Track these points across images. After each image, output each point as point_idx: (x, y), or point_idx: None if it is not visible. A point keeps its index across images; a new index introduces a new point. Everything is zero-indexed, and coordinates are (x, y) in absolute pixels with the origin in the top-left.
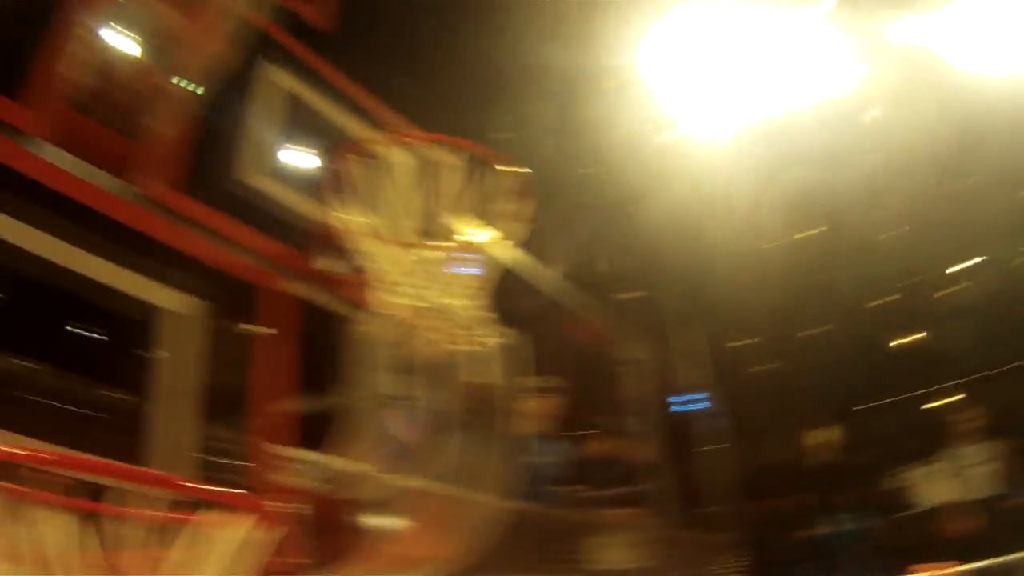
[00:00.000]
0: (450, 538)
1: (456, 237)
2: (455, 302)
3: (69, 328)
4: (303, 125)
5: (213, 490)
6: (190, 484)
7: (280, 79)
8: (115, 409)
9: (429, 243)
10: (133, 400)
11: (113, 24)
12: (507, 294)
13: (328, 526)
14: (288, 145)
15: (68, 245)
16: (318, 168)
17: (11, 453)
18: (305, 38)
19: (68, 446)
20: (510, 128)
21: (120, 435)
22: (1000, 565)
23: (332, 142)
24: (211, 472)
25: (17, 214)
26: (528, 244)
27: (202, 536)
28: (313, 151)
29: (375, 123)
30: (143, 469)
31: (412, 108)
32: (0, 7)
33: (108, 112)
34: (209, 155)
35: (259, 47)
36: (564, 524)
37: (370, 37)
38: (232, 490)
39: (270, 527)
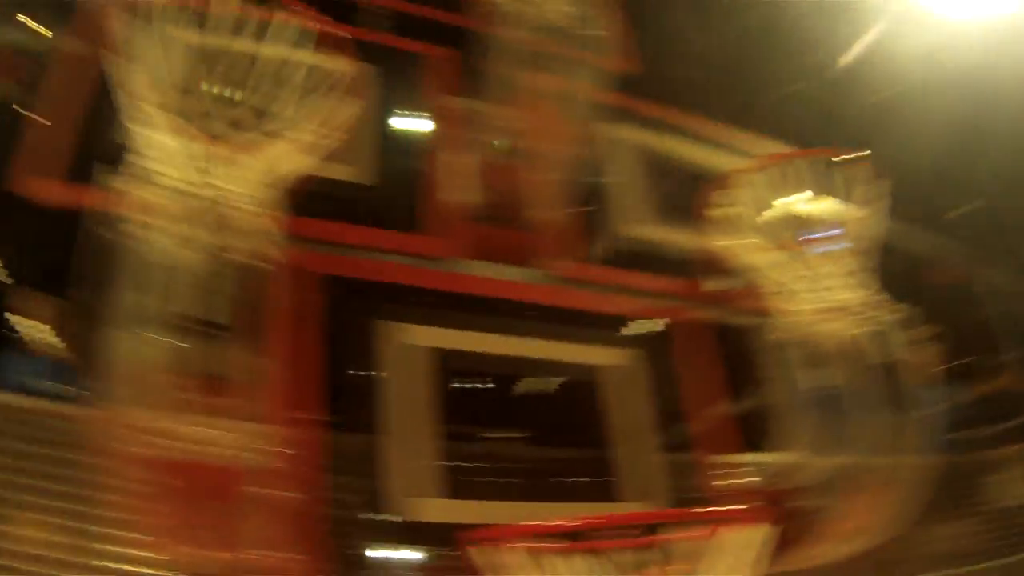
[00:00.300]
0: (886, 504)
1: (828, 231)
2: (847, 293)
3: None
4: (660, 166)
5: (722, 510)
6: (706, 510)
7: (625, 134)
8: (582, 461)
9: (806, 242)
10: (598, 451)
11: (479, 136)
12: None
13: (781, 517)
14: (655, 188)
15: (512, 338)
16: (689, 202)
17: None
18: (627, 89)
19: (562, 501)
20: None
21: (599, 481)
22: None
23: (692, 174)
24: (676, 493)
25: (459, 325)
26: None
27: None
28: (674, 186)
29: (712, 140)
30: (672, 509)
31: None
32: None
33: (499, 215)
34: (593, 221)
35: (600, 113)
36: (965, 468)
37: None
38: (734, 507)
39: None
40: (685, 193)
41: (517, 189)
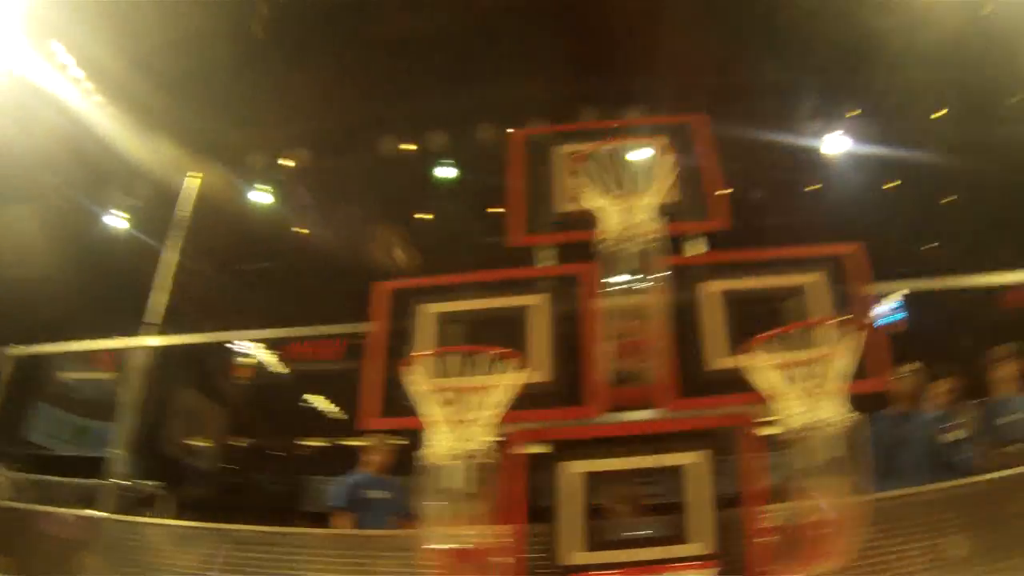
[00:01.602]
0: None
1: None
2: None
3: None
4: (742, 301)
5: None
6: None
7: (711, 285)
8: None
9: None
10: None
11: (611, 324)
12: None
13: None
14: (735, 322)
15: (636, 457)
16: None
17: None
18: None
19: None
20: None
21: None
22: None
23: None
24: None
25: (602, 455)
26: None
27: None
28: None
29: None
30: None
31: None
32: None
33: (629, 376)
34: (690, 362)
35: (693, 273)
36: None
37: None
38: None
39: None
40: (757, 321)
41: (640, 355)
